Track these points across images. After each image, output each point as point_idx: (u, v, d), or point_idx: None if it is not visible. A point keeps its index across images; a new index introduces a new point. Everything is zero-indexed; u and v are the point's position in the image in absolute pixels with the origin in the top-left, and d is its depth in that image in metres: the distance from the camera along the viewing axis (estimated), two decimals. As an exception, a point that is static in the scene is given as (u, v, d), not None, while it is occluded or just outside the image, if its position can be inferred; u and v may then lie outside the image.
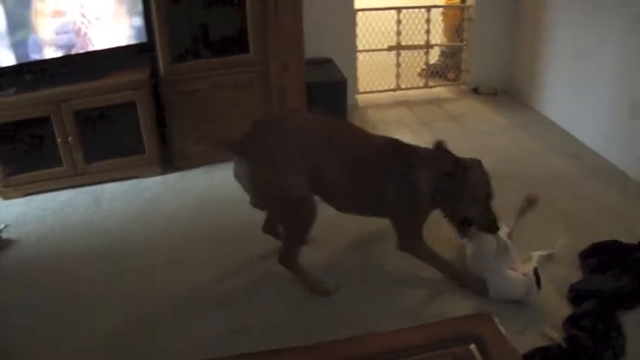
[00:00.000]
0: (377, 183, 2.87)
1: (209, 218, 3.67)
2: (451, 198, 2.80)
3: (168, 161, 4.31)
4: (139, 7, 3.98)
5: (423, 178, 2.81)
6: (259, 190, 2.85)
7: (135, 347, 2.69)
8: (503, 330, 1.59)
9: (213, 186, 4.04)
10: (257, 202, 2.98)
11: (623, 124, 4.16)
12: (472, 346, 1.55)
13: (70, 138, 3.93)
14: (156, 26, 3.91)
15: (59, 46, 3.90)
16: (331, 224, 3.21)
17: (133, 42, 4.07)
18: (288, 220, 2.94)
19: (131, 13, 3.99)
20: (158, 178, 4.19)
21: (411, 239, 2.99)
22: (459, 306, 2.86)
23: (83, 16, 3.87)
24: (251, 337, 2.69)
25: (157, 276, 3.18)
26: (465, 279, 2.96)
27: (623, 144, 4.20)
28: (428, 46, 5.71)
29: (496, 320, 1.64)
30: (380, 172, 2.86)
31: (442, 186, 2.79)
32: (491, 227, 2.83)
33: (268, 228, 3.26)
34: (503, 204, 2.93)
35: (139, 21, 4.03)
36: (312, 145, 2.81)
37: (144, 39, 4.07)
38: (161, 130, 4.24)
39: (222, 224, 3.60)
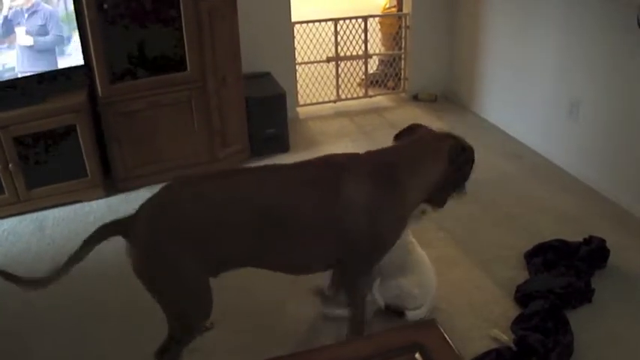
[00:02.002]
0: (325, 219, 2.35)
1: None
2: (465, 172, 2.65)
3: (111, 183, 4.27)
4: (74, 28, 3.95)
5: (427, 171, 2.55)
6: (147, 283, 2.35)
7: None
8: (448, 337, 1.62)
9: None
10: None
11: (563, 124, 4.29)
12: (417, 355, 1.56)
13: (10, 165, 3.86)
14: (91, 47, 3.89)
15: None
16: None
17: (69, 64, 4.03)
18: (176, 313, 2.37)
19: (66, 35, 3.96)
20: (102, 201, 4.15)
21: (367, 274, 2.63)
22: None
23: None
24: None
25: (107, 302, 3.16)
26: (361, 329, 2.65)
27: (564, 143, 4.32)
28: (366, 55, 5.79)
29: (441, 328, 1.66)
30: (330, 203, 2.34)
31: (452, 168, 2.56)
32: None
33: None
34: (445, 208, 2.97)
35: (75, 42, 3.99)
36: (212, 221, 2.25)
37: (80, 61, 4.03)
38: (103, 152, 4.21)
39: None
